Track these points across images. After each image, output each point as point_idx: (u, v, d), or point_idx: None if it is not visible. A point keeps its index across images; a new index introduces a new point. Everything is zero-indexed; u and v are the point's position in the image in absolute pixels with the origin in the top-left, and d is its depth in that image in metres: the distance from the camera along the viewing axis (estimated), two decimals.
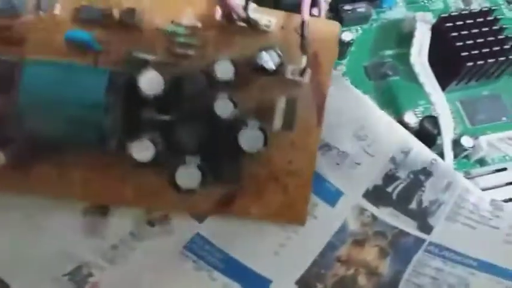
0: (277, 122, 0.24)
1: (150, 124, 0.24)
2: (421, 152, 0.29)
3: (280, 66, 0.25)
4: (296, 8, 0.25)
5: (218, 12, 0.25)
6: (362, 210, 0.29)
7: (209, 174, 0.24)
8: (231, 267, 0.28)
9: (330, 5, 0.35)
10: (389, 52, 0.37)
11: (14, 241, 0.26)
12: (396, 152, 0.29)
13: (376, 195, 0.29)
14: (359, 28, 0.38)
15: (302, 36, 0.25)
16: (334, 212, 0.29)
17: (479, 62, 0.34)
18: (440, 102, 0.32)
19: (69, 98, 0.22)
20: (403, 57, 0.36)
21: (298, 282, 0.28)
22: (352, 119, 0.29)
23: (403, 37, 0.37)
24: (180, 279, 0.27)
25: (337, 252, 0.28)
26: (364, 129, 0.29)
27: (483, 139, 0.33)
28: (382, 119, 0.30)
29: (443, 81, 0.35)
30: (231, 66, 0.24)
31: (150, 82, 0.22)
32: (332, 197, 0.29)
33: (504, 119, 0.36)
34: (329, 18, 0.37)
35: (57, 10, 0.25)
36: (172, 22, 0.25)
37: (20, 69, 0.22)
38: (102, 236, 0.27)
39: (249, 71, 0.25)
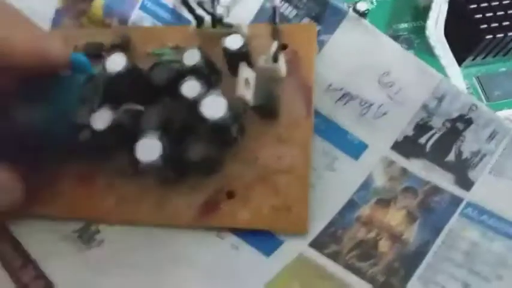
0: (241, 90, 0.21)
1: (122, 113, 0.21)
2: (458, 97, 0.23)
3: (247, 53, 0.22)
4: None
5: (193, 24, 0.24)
6: (390, 163, 0.23)
7: (174, 152, 0.20)
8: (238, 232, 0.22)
9: None
10: (404, 25, 0.32)
11: None
12: (428, 98, 0.23)
13: (407, 147, 0.23)
14: (374, 0, 0.33)
15: (273, 22, 0.22)
16: (357, 165, 0.23)
17: (498, 35, 0.30)
18: (456, 76, 0.28)
19: (53, 93, 0.22)
20: (419, 31, 0.31)
21: (312, 244, 0.22)
22: (376, 64, 0.24)
23: (419, 10, 0.32)
24: (189, 240, 0.22)
25: (358, 212, 0.22)
26: (390, 75, 0.23)
27: (500, 114, 0.28)
28: (411, 62, 0.24)
29: (460, 56, 0.31)
30: (198, 53, 0.21)
31: (114, 61, 0.21)
32: (355, 150, 0.23)
33: None
34: None
35: None
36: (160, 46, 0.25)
37: None
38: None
39: (227, 68, 0.23)
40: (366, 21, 0.24)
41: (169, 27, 0.26)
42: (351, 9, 0.25)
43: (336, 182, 0.23)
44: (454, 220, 0.22)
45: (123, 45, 0.25)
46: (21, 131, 0.22)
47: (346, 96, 0.24)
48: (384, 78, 0.24)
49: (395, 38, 0.32)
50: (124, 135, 0.21)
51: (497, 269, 0.21)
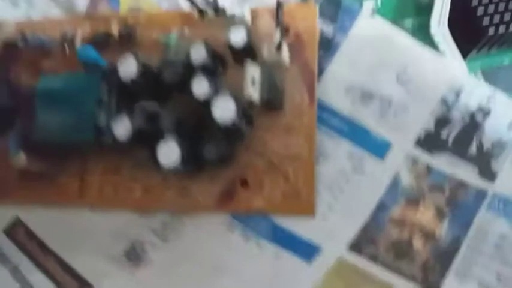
0: (249, 89, 0.21)
1: (139, 113, 0.22)
2: (475, 89, 0.24)
3: (251, 44, 0.22)
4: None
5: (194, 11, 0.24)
6: (415, 160, 0.23)
7: (191, 152, 0.21)
8: (279, 235, 0.23)
9: None
10: (409, 21, 0.32)
11: (69, 221, 0.25)
12: (447, 92, 0.23)
13: (430, 142, 0.23)
14: None
15: (277, 12, 0.22)
16: (383, 165, 0.23)
17: (501, 30, 0.29)
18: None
19: (68, 96, 0.23)
20: (423, 26, 0.31)
21: (349, 248, 0.22)
22: (393, 61, 0.24)
23: (423, 5, 0.32)
24: (230, 250, 0.23)
25: (389, 214, 0.23)
26: (407, 71, 0.24)
27: None
28: (427, 57, 0.24)
29: (464, 49, 0.30)
30: (204, 49, 0.22)
31: (126, 67, 0.22)
32: (380, 149, 0.24)
33: None
34: None
35: (77, 43, 0.26)
36: (164, 33, 0.25)
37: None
38: (154, 213, 0.24)
39: (231, 57, 0.23)
40: (379, 18, 0.24)
41: (172, 13, 0.26)
42: (363, 7, 0.24)
43: (364, 185, 0.23)
44: (482, 213, 0.23)
45: (130, 34, 0.25)
46: (43, 136, 0.23)
47: (366, 95, 0.24)
48: (401, 75, 0.24)
49: None
50: (144, 138, 0.22)
51: None
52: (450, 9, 0.31)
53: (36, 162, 0.24)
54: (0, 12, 0.28)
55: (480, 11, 0.30)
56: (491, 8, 0.30)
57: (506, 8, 0.30)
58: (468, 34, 0.30)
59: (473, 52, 0.31)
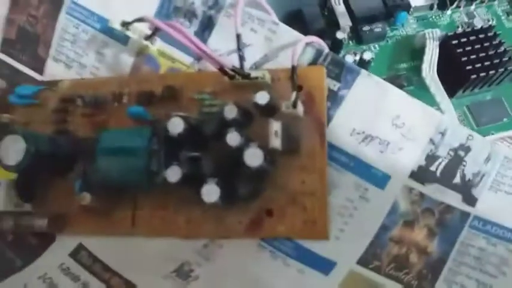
0: (273, 141, 0.26)
1: (184, 160, 0.27)
2: (456, 130, 0.29)
3: (272, 103, 0.27)
4: None
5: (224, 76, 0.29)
6: (410, 190, 0.28)
7: (227, 190, 0.26)
8: (302, 254, 0.28)
9: (351, 27, 0.38)
10: (403, 65, 0.39)
11: (125, 246, 0.30)
12: (433, 133, 0.29)
13: (421, 174, 0.29)
14: (376, 45, 0.39)
15: (292, 77, 0.28)
16: (384, 194, 0.29)
17: (481, 74, 0.36)
18: (448, 110, 0.35)
19: (126, 148, 0.28)
20: (416, 69, 0.38)
21: (358, 262, 0.28)
22: (387, 110, 0.29)
23: (416, 51, 0.39)
24: (261, 267, 0.28)
25: (390, 233, 0.28)
26: (400, 118, 0.29)
27: (488, 139, 0.35)
28: (415, 106, 0.29)
29: (452, 89, 0.37)
30: (235, 108, 0.27)
31: (174, 126, 0.27)
32: (381, 181, 0.29)
33: (505, 119, 0.37)
34: (350, 38, 0.40)
35: (125, 100, 0.32)
36: (199, 92, 0.31)
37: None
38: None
39: (256, 112, 0.29)
40: (375, 77, 0.30)
41: (206, 74, 0.32)
42: (363, 71, 0.30)
43: (369, 211, 0.29)
44: (465, 232, 0.28)
45: (170, 92, 0.31)
46: (102, 179, 0.28)
47: (367, 138, 0.29)
48: (395, 120, 0.29)
49: (397, 77, 0.38)
50: (189, 180, 0.27)
51: (502, 267, 0.27)
52: (439, 57, 0.37)
53: (96, 199, 0.29)
54: (57, 72, 0.35)
55: (464, 58, 0.37)
56: (472, 56, 0.36)
57: (485, 56, 0.36)
58: (455, 77, 0.37)
59: (460, 92, 0.37)
